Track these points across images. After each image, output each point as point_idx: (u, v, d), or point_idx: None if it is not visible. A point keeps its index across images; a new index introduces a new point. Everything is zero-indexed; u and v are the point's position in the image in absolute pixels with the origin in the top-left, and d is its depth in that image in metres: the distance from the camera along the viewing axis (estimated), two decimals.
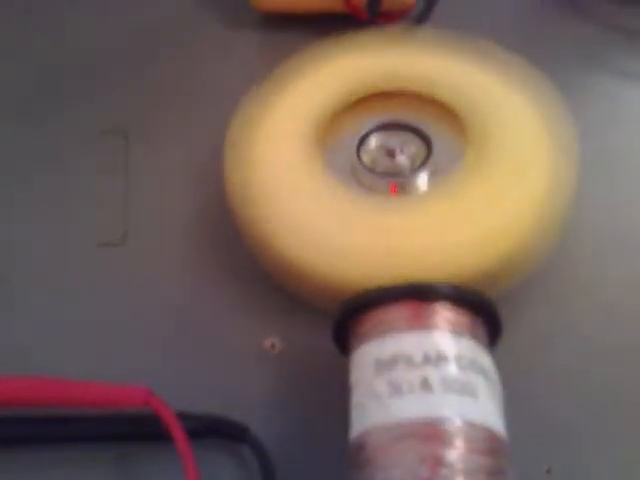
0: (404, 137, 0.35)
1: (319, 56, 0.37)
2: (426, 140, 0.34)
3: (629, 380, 0.31)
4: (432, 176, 0.33)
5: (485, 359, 0.26)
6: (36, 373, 0.30)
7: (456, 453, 0.23)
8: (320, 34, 0.44)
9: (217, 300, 0.35)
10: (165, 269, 0.36)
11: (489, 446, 0.23)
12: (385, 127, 0.35)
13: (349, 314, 0.27)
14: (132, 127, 0.43)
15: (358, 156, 0.34)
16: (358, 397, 0.26)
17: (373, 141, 0.34)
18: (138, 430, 0.30)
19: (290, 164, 0.33)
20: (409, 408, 0.24)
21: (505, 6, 0.46)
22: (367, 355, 0.26)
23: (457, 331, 0.26)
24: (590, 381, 0.31)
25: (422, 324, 0.26)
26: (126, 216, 0.39)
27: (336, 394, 0.28)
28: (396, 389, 0.24)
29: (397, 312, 0.26)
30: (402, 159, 0.34)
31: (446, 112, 0.35)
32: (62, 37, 0.48)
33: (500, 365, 0.27)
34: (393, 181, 0.33)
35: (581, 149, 0.34)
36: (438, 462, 0.22)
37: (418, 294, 0.27)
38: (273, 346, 0.33)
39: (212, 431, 0.30)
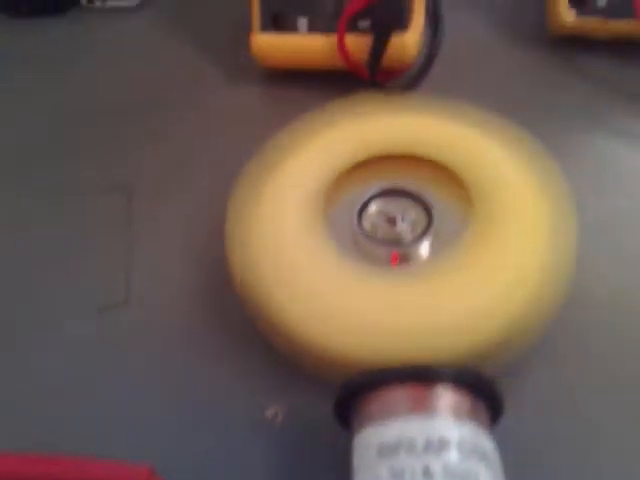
0: (405, 204, 0.35)
1: (320, 122, 0.37)
2: (427, 207, 0.34)
3: (632, 452, 0.31)
4: (433, 244, 0.33)
5: (486, 442, 0.26)
6: (35, 450, 0.30)
7: None
8: (322, 90, 0.45)
9: (218, 367, 0.35)
10: (166, 334, 0.36)
11: None
12: (386, 193, 0.35)
13: (350, 394, 0.27)
14: (135, 184, 0.43)
15: (359, 223, 0.34)
16: None
17: (374, 208, 0.35)
18: None
19: (291, 233, 0.33)
20: None
21: (505, 64, 0.47)
22: (369, 439, 0.26)
23: (459, 414, 0.26)
24: (595, 453, 0.31)
25: (424, 408, 0.26)
26: (128, 278, 0.38)
27: (339, 465, 0.28)
28: (398, 476, 0.24)
29: (399, 395, 0.26)
30: (403, 227, 0.34)
31: (447, 178, 0.35)
32: (64, 93, 0.49)
33: (502, 441, 0.27)
34: (394, 250, 0.33)
35: (581, 212, 0.34)
36: None
37: (420, 377, 0.26)
38: (276, 416, 0.33)
39: None
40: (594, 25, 0.44)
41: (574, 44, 0.45)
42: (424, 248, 0.33)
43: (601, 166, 0.40)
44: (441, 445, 0.25)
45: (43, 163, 0.45)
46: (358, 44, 0.43)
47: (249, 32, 0.45)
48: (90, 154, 0.45)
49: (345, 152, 0.35)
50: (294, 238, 0.33)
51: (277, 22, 0.45)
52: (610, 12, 0.43)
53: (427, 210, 0.34)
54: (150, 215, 0.41)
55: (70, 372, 0.35)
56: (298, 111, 0.42)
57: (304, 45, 0.45)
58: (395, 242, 0.34)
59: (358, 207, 0.34)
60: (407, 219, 0.34)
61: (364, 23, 0.44)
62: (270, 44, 0.45)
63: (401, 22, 0.43)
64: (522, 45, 0.47)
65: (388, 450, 0.25)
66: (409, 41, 0.43)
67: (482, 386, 0.27)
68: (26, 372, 0.35)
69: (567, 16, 0.44)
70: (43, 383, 0.35)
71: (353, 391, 0.27)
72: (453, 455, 0.25)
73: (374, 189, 0.35)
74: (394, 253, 0.33)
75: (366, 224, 0.34)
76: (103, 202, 0.42)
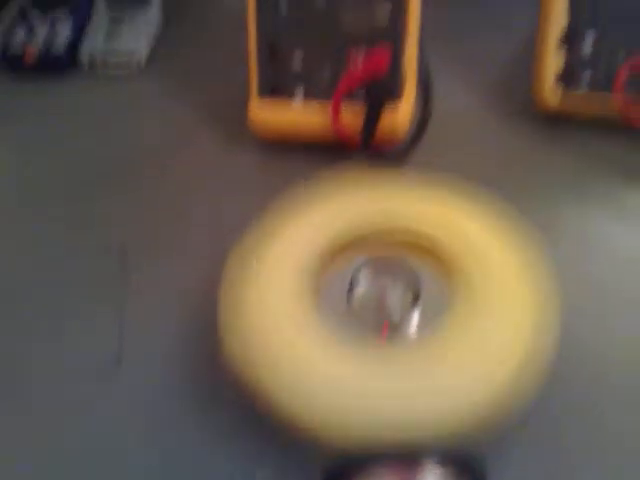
0: (394, 278, 0.36)
1: (307, 199, 0.38)
2: (415, 281, 0.35)
3: None
4: (421, 318, 0.34)
5: None
6: None
7: None
8: (317, 158, 0.46)
9: (205, 432, 0.35)
10: (158, 397, 0.37)
11: None
12: (375, 268, 0.36)
13: (337, 476, 0.28)
14: (129, 247, 0.43)
15: (349, 298, 0.35)
16: None
17: (363, 282, 0.36)
18: None
19: (281, 310, 0.34)
20: None
21: (493, 137, 0.48)
22: None
23: None
24: None
25: None
26: (121, 342, 0.39)
27: None
28: None
29: (386, 476, 0.27)
30: (392, 301, 0.35)
31: (432, 252, 0.36)
32: (62, 153, 0.50)
33: None
34: (383, 325, 0.34)
35: (563, 285, 0.35)
36: None
37: (405, 458, 0.27)
38: None
39: None
40: (579, 105, 0.46)
41: (561, 119, 0.47)
42: (412, 323, 0.34)
43: (584, 240, 0.42)
44: None
45: (41, 220, 0.45)
46: (352, 114, 0.45)
47: (247, 100, 0.47)
48: (86, 215, 0.46)
49: (332, 229, 0.37)
50: (283, 315, 0.34)
51: (274, 92, 0.46)
52: (596, 89, 0.45)
53: (415, 284, 0.35)
54: (144, 278, 0.42)
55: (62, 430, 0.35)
56: (292, 178, 0.44)
57: (300, 114, 0.46)
58: (384, 317, 0.35)
59: (348, 282, 0.35)
60: (396, 294, 0.35)
61: (358, 93, 0.45)
62: (267, 113, 0.47)
63: (394, 95, 0.45)
64: (510, 118, 0.49)
65: None
66: (401, 114, 0.45)
67: (467, 465, 0.28)
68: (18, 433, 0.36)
69: (552, 98, 0.46)
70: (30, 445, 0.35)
71: (339, 474, 0.28)
72: None
73: (364, 263, 0.36)
74: (383, 328, 0.34)
75: (356, 300, 0.35)
76: (97, 264, 0.43)
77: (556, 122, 0.47)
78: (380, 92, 0.44)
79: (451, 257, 0.36)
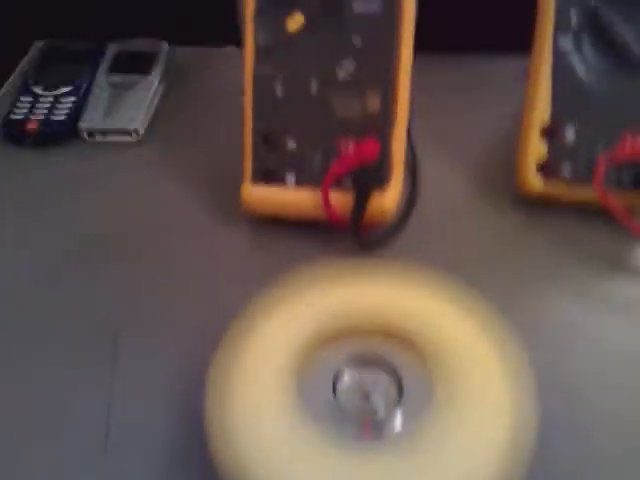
0: (377, 374, 0.37)
1: (288, 292, 0.39)
2: (398, 377, 0.37)
3: None
4: (405, 414, 0.36)
5: None
6: None
7: None
8: (306, 238, 0.48)
9: None
10: None
11: None
12: (358, 363, 0.37)
13: None
14: (120, 325, 0.45)
15: (333, 394, 0.36)
16: None
17: (346, 378, 0.37)
18: None
19: (265, 406, 0.35)
20: None
21: (475, 220, 0.50)
22: None
23: None
24: None
25: None
26: (108, 429, 0.40)
27: None
28: None
29: None
30: (375, 398, 0.36)
31: (414, 347, 0.38)
32: (59, 226, 0.51)
33: None
34: (366, 422, 0.35)
35: (540, 373, 0.36)
36: None
37: None
38: None
39: None
40: (560, 193, 0.47)
41: (544, 205, 0.48)
42: (396, 419, 0.35)
43: (565, 332, 0.43)
44: None
45: (27, 300, 0.47)
46: (342, 199, 0.46)
47: (241, 181, 0.48)
48: (74, 292, 0.47)
49: (315, 323, 0.38)
50: (266, 412, 0.35)
51: (267, 176, 0.48)
52: (576, 179, 0.46)
53: (398, 380, 0.37)
54: (132, 360, 0.43)
55: None
56: (284, 257, 0.46)
57: (292, 198, 0.48)
58: (367, 413, 0.36)
59: (331, 377, 0.37)
60: (379, 391, 0.36)
61: (347, 180, 0.47)
62: (260, 196, 0.48)
63: (382, 182, 0.46)
64: (494, 202, 0.50)
65: None
66: (388, 200, 0.47)
67: None
68: None
69: (535, 185, 0.48)
70: None
71: None
72: None
73: (347, 358, 0.37)
74: (365, 425, 0.35)
75: (340, 396, 0.36)
76: (87, 343, 0.44)
77: (539, 207, 0.49)
78: (369, 179, 0.46)
79: (432, 352, 0.37)
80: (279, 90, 0.47)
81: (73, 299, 0.46)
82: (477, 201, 0.51)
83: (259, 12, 0.46)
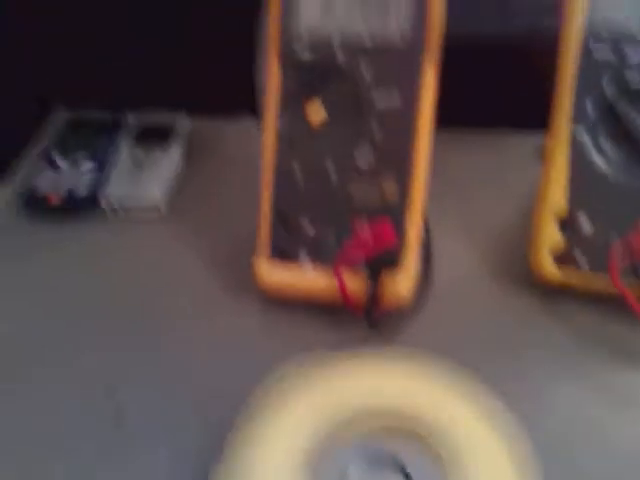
0: (386, 473, 0.37)
1: (303, 383, 0.39)
2: (408, 476, 0.37)
3: None
4: None
5: None
6: None
7: None
8: (320, 318, 0.48)
9: None
10: None
11: None
12: (367, 461, 0.37)
13: None
14: (126, 392, 0.45)
15: None
16: None
17: (355, 477, 0.37)
18: None
19: None
20: None
21: (490, 304, 0.50)
22: None
23: None
24: None
25: None
26: None
27: None
28: None
29: None
30: None
31: (424, 440, 0.37)
32: (75, 293, 0.52)
33: None
34: None
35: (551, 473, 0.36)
36: None
37: None
38: None
39: None
40: (576, 282, 0.47)
41: (560, 292, 0.48)
42: None
43: (576, 427, 0.42)
44: None
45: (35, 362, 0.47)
46: (357, 282, 0.47)
47: (256, 258, 0.49)
48: (85, 357, 0.47)
49: (323, 420, 0.38)
50: None
51: (282, 255, 0.49)
52: (592, 271, 0.46)
53: (406, 475, 0.36)
54: (139, 436, 0.42)
55: None
56: (296, 337, 0.47)
57: (306, 278, 0.48)
58: None
59: (339, 477, 0.36)
60: None
61: (363, 264, 0.47)
62: (274, 275, 0.49)
63: (397, 266, 0.47)
64: (509, 287, 0.50)
65: None
66: (403, 286, 0.47)
67: None
68: None
69: (550, 273, 0.48)
70: None
71: None
72: None
73: (354, 456, 0.37)
74: None
75: None
76: (93, 407, 0.44)
77: (555, 294, 0.49)
78: (384, 265, 0.46)
79: (444, 451, 0.37)
80: (298, 177, 0.48)
81: (86, 368, 0.47)
82: (491, 285, 0.51)
83: (281, 103, 0.47)
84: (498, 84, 0.66)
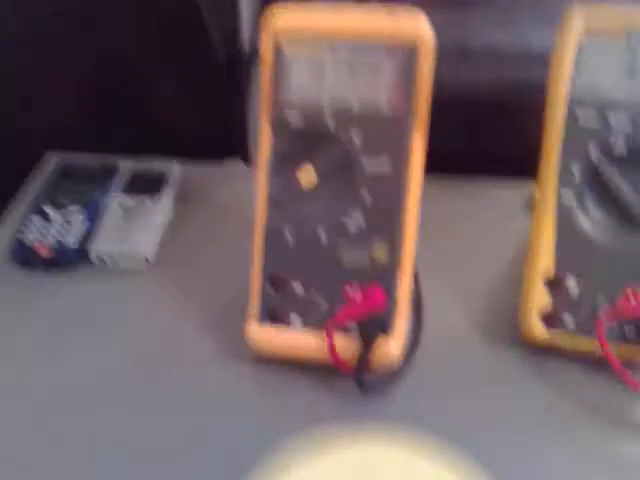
0: None
1: (293, 460, 0.40)
2: None
3: None
4: None
5: None
6: None
7: None
8: (311, 377, 0.48)
9: None
10: None
11: None
12: None
13: None
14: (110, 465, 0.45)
15: None
16: None
17: None
18: None
19: None
20: None
21: (477, 362, 0.50)
22: None
23: None
24: None
25: None
26: None
27: None
28: None
29: None
30: None
31: None
32: (60, 363, 0.52)
33: None
34: None
35: None
36: None
37: None
38: None
39: None
40: (563, 343, 0.48)
41: (548, 351, 0.49)
42: None
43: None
44: None
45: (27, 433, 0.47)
46: (346, 344, 0.47)
47: (247, 320, 0.49)
48: (79, 420, 0.47)
49: None
50: None
51: (273, 316, 0.49)
52: (578, 332, 0.47)
53: None
54: None
55: None
56: (285, 398, 0.47)
57: (297, 340, 0.49)
58: None
59: None
60: None
61: (354, 326, 0.48)
62: (265, 336, 0.49)
63: (387, 330, 0.47)
64: (497, 346, 0.51)
65: None
66: (393, 348, 0.48)
67: None
68: None
69: (537, 334, 0.48)
70: None
71: None
72: None
73: None
74: None
75: None
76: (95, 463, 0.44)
77: (543, 354, 0.49)
78: (375, 328, 0.47)
79: None
80: (289, 238, 0.48)
81: (73, 425, 0.47)
82: (480, 343, 0.51)
83: (272, 166, 0.47)
84: (492, 131, 0.67)
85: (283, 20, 0.46)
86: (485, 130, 0.67)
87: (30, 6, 0.66)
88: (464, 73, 0.70)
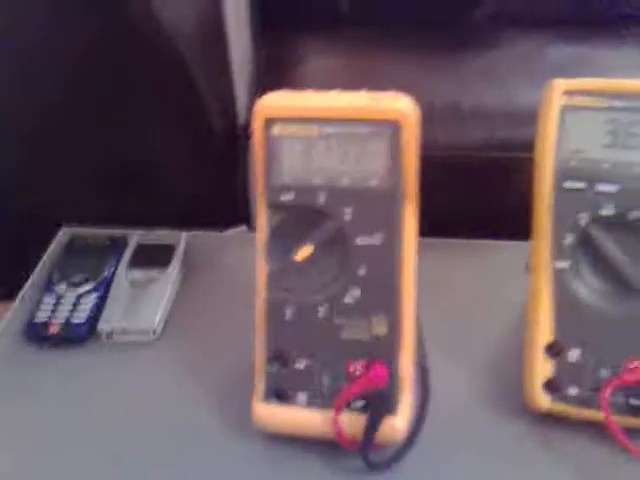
0: None
1: None
2: None
3: None
4: None
5: None
6: None
7: None
8: (316, 453, 0.48)
9: None
10: None
11: None
12: None
13: None
14: None
15: None
16: None
17: None
18: None
19: None
20: None
21: (485, 433, 0.50)
22: None
23: None
24: None
25: None
26: None
27: None
28: None
29: None
30: None
31: None
32: (72, 433, 0.52)
33: None
34: None
35: None
36: None
37: None
38: None
39: None
40: (567, 411, 0.48)
41: (554, 420, 0.49)
42: None
43: None
44: None
45: None
46: (351, 421, 0.47)
47: (252, 401, 0.50)
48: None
49: None
50: None
51: (278, 394, 0.49)
52: (582, 401, 0.47)
53: None
54: None
55: None
56: (291, 475, 0.47)
57: (302, 417, 0.49)
58: None
59: None
60: None
61: (358, 403, 0.48)
62: (270, 414, 0.49)
63: (391, 406, 0.47)
64: (504, 416, 0.51)
65: None
66: (398, 423, 0.48)
67: None
68: None
69: (541, 402, 0.48)
70: None
71: None
72: None
73: None
74: None
75: None
76: None
77: (549, 423, 0.49)
78: (379, 404, 0.47)
79: None
80: (289, 313, 0.49)
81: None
82: (486, 414, 0.51)
83: (269, 243, 0.48)
84: (495, 195, 0.68)
85: (273, 103, 0.47)
86: (479, 188, 0.67)
87: (44, 92, 0.68)
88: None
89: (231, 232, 0.72)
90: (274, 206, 0.48)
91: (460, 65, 0.93)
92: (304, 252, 0.48)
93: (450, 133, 0.78)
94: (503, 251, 0.63)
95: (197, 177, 0.75)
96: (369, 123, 0.46)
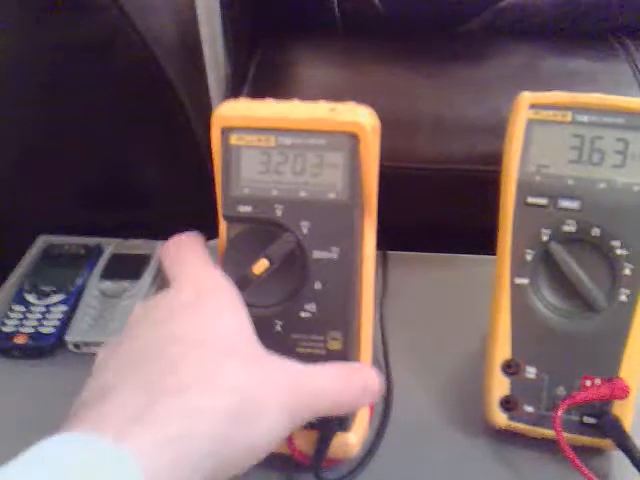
0: None
1: None
2: None
3: None
4: None
5: None
6: None
7: None
8: (267, 468, 0.47)
9: None
10: None
11: None
12: None
13: None
14: None
15: None
16: None
17: None
18: None
19: None
20: None
21: (444, 449, 0.50)
22: None
23: None
24: None
25: None
26: None
27: None
28: None
29: None
30: None
31: None
32: None
33: None
34: None
35: None
36: None
37: None
38: None
39: None
40: (523, 428, 0.47)
41: (512, 435, 0.48)
42: None
43: None
44: None
45: None
46: (305, 436, 0.47)
47: None
48: None
49: None
50: None
51: None
52: (537, 419, 0.46)
53: None
54: None
55: None
56: None
57: None
58: None
59: None
60: None
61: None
62: None
63: (346, 424, 0.47)
64: (463, 431, 0.50)
65: None
66: (351, 440, 0.47)
67: None
68: None
69: (498, 419, 0.48)
70: None
71: None
72: None
73: None
74: None
75: None
76: None
77: (507, 440, 0.48)
78: (329, 420, 0.46)
79: None
80: None
81: None
82: (444, 429, 0.51)
83: (228, 255, 0.48)
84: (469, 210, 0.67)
85: (230, 112, 0.47)
86: (458, 201, 0.67)
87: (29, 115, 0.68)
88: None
89: (211, 243, 0.71)
90: (232, 218, 0.48)
91: (450, 76, 0.93)
92: (261, 266, 0.47)
93: (433, 145, 0.77)
94: (483, 265, 0.62)
95: (179, 189, 0.75)
96: (326, 134, 0.45)
